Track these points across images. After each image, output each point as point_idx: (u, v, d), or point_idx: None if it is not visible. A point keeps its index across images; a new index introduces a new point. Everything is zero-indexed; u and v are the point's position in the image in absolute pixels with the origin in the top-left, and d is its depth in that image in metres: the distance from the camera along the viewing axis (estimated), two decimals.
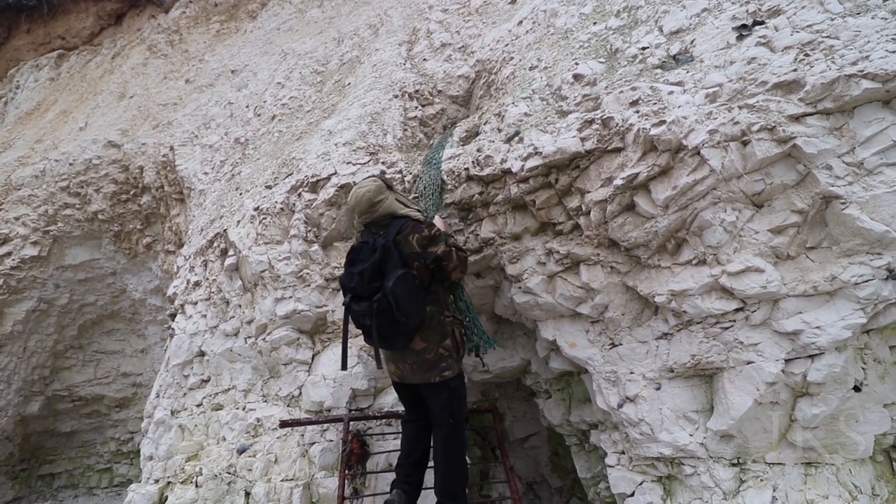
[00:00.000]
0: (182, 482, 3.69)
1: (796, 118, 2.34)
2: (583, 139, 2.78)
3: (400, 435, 3.27)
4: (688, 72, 2.79)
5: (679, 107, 2.58)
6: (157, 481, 3.90)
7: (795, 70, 2.40)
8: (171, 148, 7.67)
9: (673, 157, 2.48)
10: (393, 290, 2.31)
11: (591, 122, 2.80)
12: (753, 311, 2.37)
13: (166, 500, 3.69)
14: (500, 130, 3.41)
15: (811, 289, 2.30)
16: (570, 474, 4.34)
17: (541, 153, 2.88)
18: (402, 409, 3.00)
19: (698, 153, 2.40)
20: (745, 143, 2.37)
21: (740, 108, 2.46)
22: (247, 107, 7.55)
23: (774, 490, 2.35)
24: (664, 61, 3.01)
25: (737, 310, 2.40)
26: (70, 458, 9.53)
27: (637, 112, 2.66)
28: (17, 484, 9.02)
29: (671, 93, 2.68)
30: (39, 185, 8.61)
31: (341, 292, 2.64)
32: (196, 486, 3.53)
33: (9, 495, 8.83)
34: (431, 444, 2.73)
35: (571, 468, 4.08)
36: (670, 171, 2.49)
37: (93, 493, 9.28)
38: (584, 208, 2.79)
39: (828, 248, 2.34)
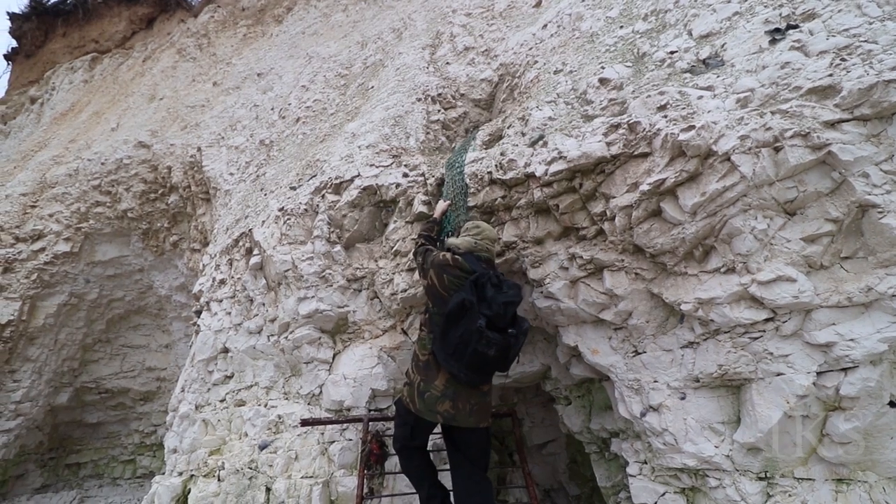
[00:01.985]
0: (205, 476, 3.77)
1: (832, 124, 2.28)
2: (608, 144, 2.76)
3: None
4: (718, 76, 2.74)
5: (709, 112, 2.54)
6: (180, 474, 3.99)
7: (831, 75, 2.34)
8: (199, 149, 7.87)
9: (702, 163, 2.44)
10: (525, 331, 2.49)
11: (618, 126, 2.77)
12: (784, 322, 2.31)
13: (189, 492, 3.78)
14: (523, 134, 3.40)
15: (845, 300, 2.23)
16: (589, 482, 4.29)
17: (565, 157, 2.86)
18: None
19: (728, 159, 2.36)
20: (777, 150, 2.32)
21: (773, 113, 2.41)
22: (272, 109, 7.69)
23: None
24: (693, 65, 2.96)
25: (766, 320, 2.34)
26: (96, 448, 9.83)
27: (665, 117, 2.63)
28: (46, 472, 9.34)
29: (701, 97, 2.64)
30: (73, 184, 8.93)
31: (450, 307, 2.44)
32: (218, 479, 3.60)
33: (37, 483, 9.14)
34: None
35: (590, 476, 4.02)
36: (699, 177, 2.45)
37: (117, 483, 9.54)
38: (608, 213, 2.77)
39: (863, 259, 2.27)
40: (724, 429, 2.48)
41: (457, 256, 2.67)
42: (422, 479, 2.77)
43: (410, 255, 2.80)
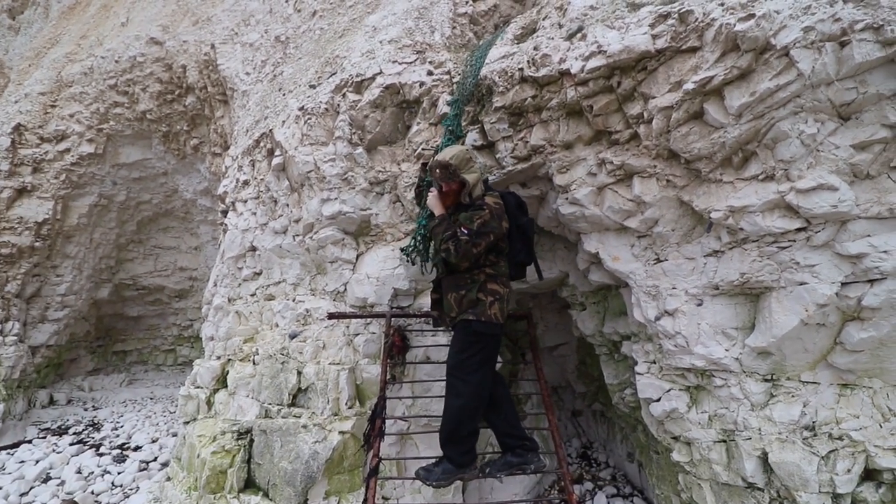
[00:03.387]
0: (241, 360, 4.12)
1: None
2: (654, 36, 2.53)
3: (436, 334, 3.48)
4: None
5: None
6: (218, 358, 4.36)
7: None
8: (213, 46, 7.52)
9: (756, 59, 2.24)
10: None
11: (667, 16, 2.52)
12: (817, 232, 2.26)
13: (227, 374, 4.15)
14: (560, 26, 3.13)
15: (886, 211, 2.15)
16: (595, 382, 4.57)
17: (605, 52, 2.65)
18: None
19: (787, 54, 2.16)
20: (843, 45, 2.11)
21: (845, 2, 2.15)
22: (286, 1, 7.18)
23: (804, 406, 2.40)
24: None
25: (798, 229, 2.29)
26: (139, 338, 10.76)
27: (722, 5, 2.37)
28: (96, 357, 10.34)
29: None
30: (89, 83, 8.76)
31: (531, 230, 2.85)
32: (253, 363, 3.93)
33: (90, 366, 10.17)
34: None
35: (597, 376, 4.27)
36: (750, 75, 2.26)
37: (160, 369, 10.56)
38: (646, 115, 2.62)
39: None
40: (737, 334, 2.55)
41: (490, 195, 2.64)
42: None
43: (443, 238, 2.52)
